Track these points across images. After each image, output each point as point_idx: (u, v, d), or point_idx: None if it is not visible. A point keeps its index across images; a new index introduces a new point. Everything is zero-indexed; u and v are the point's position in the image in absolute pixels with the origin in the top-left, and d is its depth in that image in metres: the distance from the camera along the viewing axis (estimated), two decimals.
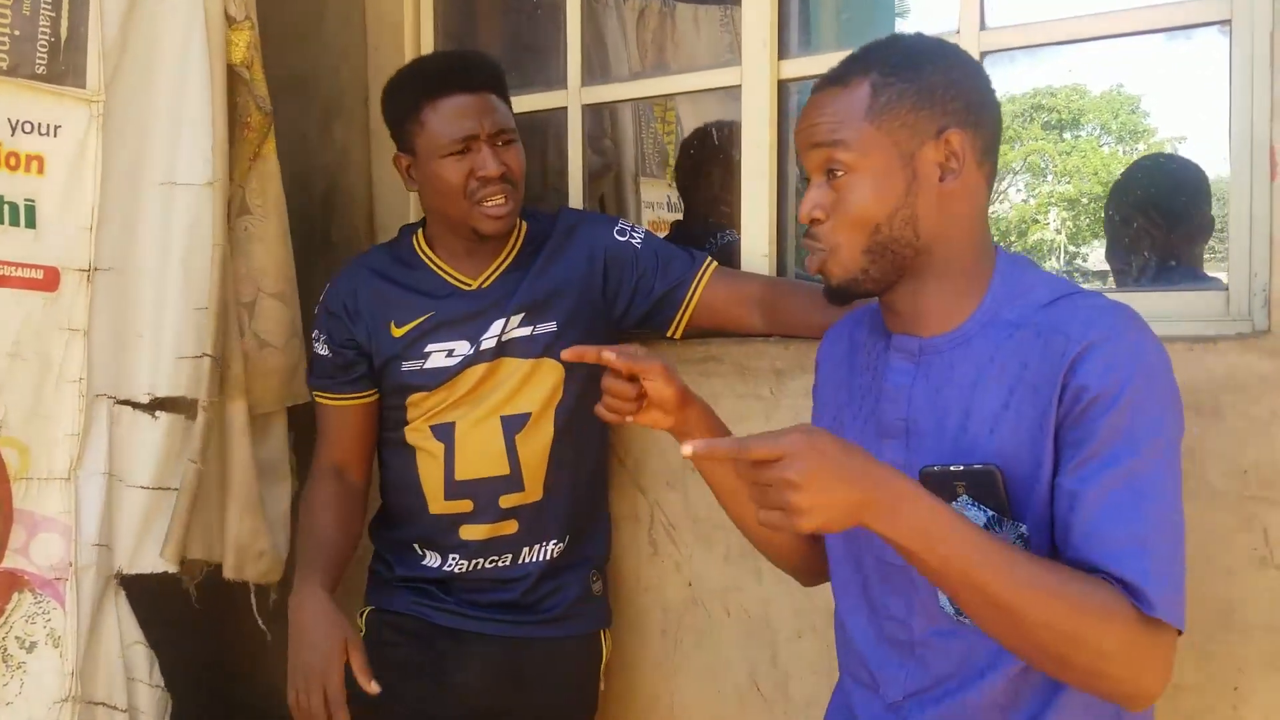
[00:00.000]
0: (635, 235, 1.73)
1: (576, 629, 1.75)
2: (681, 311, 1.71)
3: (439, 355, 1.66)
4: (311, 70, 2.33)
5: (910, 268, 1.12)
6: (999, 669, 1.09)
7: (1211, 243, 2.20)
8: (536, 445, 1.67)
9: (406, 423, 1.69)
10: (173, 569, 1.76)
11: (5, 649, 1.64)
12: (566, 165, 2.08)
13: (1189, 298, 1.53)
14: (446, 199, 1.62)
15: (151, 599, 1.81)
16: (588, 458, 1.76)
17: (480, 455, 1.67)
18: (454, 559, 1.69)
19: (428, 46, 2.26)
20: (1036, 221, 23.62)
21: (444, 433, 1.67)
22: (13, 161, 1.61)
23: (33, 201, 1.63)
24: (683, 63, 2.96)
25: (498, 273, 1.69)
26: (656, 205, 2.95)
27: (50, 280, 1.65)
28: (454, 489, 1.68)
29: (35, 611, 1.65)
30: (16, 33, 1.60)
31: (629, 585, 1.92)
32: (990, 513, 1.08)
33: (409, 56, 2.20)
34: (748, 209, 1.86)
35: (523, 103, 1.97)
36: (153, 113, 1.74)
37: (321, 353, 1.73)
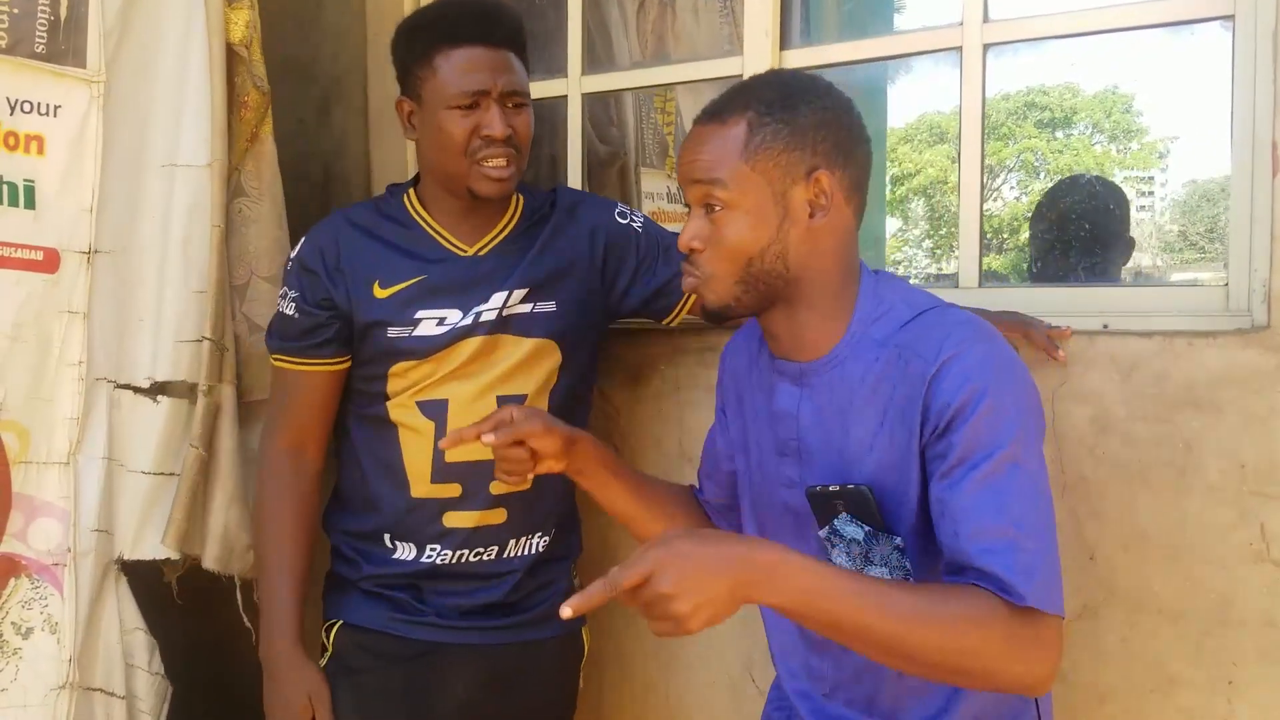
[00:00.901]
0: (636, 219, 1.70)
1: (558, 629, 1.67)
2: (684, 299, 1.68)
3: (429, 323, 1.56)
4: (310, 55, 2.32)
5: (781, 296, 1.19)
6: None
7: (1201, 242, 2.22)
8: None
9: (387, 397, 1.59)
10: (174, 556, 1.74)
11: (1, 635, 1.63)
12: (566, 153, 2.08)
13: (1188, 293, 1.54)
14: (446, 153, 1.54)
15: (149, 584, 1.80)
16: None
17: None
18: (434, 550, 1.60)
19: None
20: (1028, 219, 23.65)
21: (434, 409, 1.57)
22: (11, 141, 1.60)
23: (32, 182, 1.61)
24: (683, 52, 2.95)
25: (494, 242, 1.62)
26: (656, 195, 2.95)
27: (50, 262, 1.64)
28: (442, 471, 1.58)
29: (32, 597, 1.64)
30: (16, 11, 1.58)
31: None
32: (867, 528, 1.17)
33: None
34: None
35: None
36: (153, 93, 1.73)
37: (287, 312, 1.60)
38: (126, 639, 1.73)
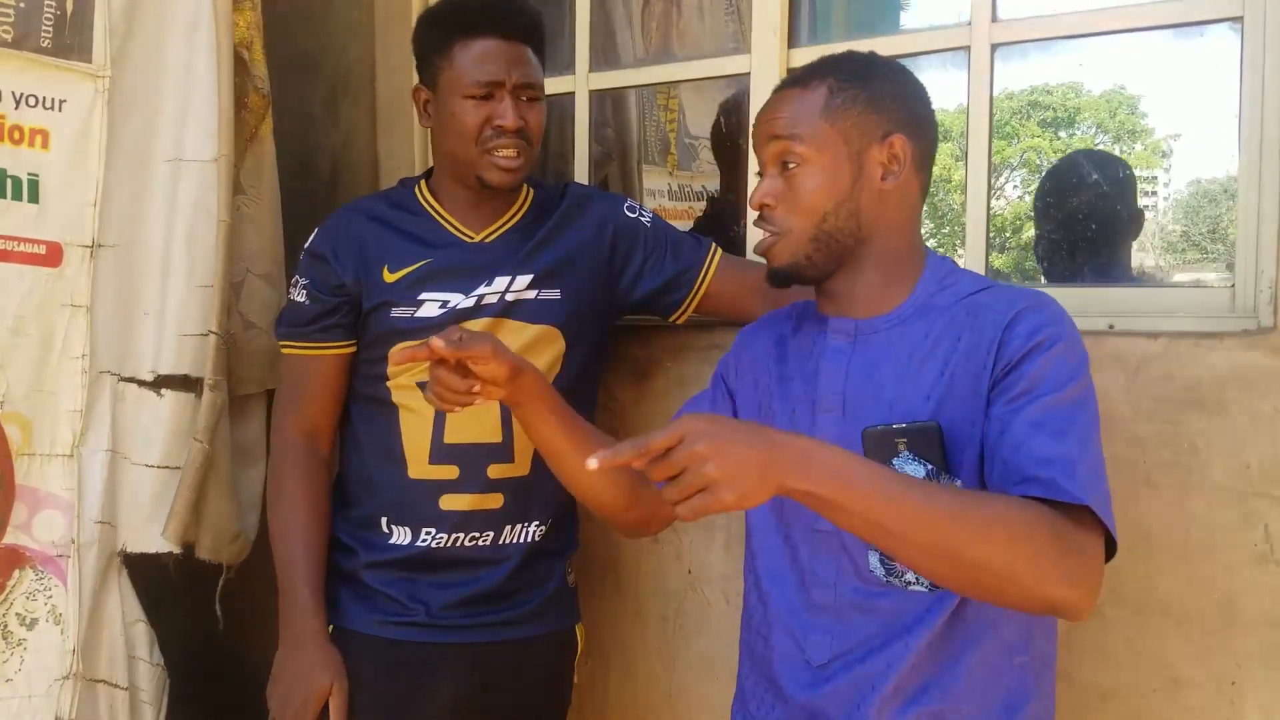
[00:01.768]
0: (644, 215, 1.71)
1: (552, 625, 1.68)
2: (691, 296, 1.69)
3: (432, 305, 1.58)
4: (319, 49, 2.32)
5: (849, 256, 1.22)
6: (918, 631, 1.14)
7: (1205, 244, 2.20)
8: None
9: (387, 377, 1.60)
10: (176, 549, 1.75)
11: (6, 625, 1.63)
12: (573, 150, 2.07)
13: (1194, 294, 1.54)
14: (458, 141, 1.57)
15: (147, 575, 1.80)
16: None
17: (473, 418, 1.55)
18: (429, 534, 1.60)
19: None
20: (1032, 218, 23.68)
21: None
22: (16, 135, 1.60)
23: (36, 176, 1.62)
24: (687, 49, 2.95)
25: (501, 230, 1.64)
26: (658, 193, 2.94)
27: (53, 255, 1.64)
28: (440, 452, 1.59)
29: (37, 588, 1.64)
30: (22, 5, 1.59)
31: (629, 572, 1.92)
32: (929, 466, 1.14)
33: None
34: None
35: None
36: (160, 88, 1.73)
37: (299, 299, 1.62)
38: (129, 630, 1.74)
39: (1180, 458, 1.44)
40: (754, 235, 1.85)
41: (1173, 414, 1.45)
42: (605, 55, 2.42)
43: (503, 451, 1.60)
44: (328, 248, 1.61)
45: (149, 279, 1.74)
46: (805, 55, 1.82)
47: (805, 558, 1.24)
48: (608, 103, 2.69)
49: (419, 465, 1.60)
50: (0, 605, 1.63)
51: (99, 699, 1.70)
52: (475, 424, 1.58)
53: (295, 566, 1.61)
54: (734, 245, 1.90)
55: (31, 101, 1.61)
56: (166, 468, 1.74)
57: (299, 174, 1.97)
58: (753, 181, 1.85)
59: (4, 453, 1.61)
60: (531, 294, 1.60)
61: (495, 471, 1.59)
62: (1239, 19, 1.46)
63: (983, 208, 1.66)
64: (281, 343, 1.67)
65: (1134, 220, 2.17)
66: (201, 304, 1.75)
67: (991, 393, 1.12)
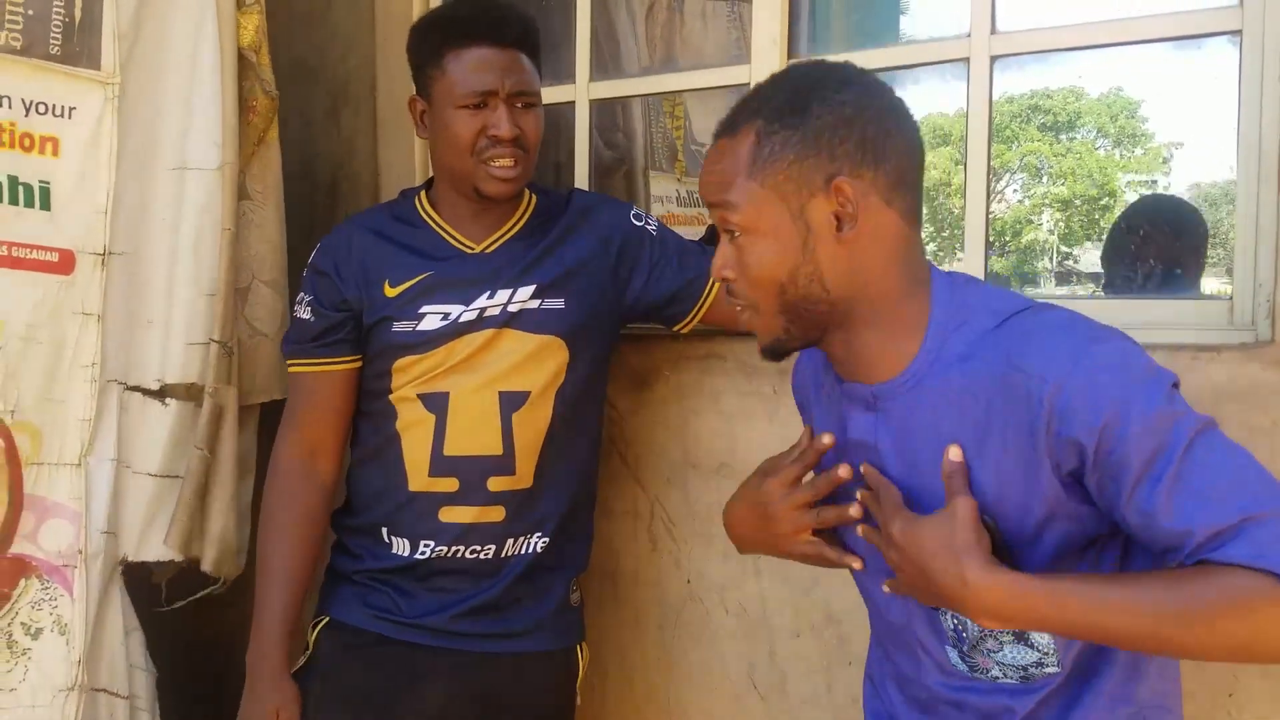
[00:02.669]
0: (650, 223, 1.70)
1: (551, 642, 1.65)
2: (698, 306, 1.67)
3: (433, 317, 1.56)
4: (319, 57, 2.33)
5: (831, 321, 1.07)
6: (1018, 714, 1.09)
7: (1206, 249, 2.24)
8: (533, 428, 1.58)
9: (390, 390, 1.59)
10: (178, 557, 1.75)
11: (10, 635, 1.63)
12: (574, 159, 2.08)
13: (1192, 307, 1.54)
14: (453, 152, 1.55)
15: (138, 582, 1.80)
16: (582, 451, 1.68)
17: (473, 430, 1.56)
18: (428, 546, 1.58)
19: None
20: (1030, 222, 23.70)
21: (436, 403, 1.57)
22: (27, 142, 1.61)
23: (47, 183, 1.62)
24: (690, 58, 2.96)
25: (502, 240, 1.62)
26: (665, 199, 2.95)
27: (65, 263, 1.64)
28: (440, 465, 1.57)
29: (42, 598, 1.64)
30: (30, 12, 1.59)
31: (628, 581, 1.93)
32: None
33: None
34: None
35: None
36: (165, 96, 1.74)
37: (304, 316, 1.61)
38: (127, 639, 1.73)
39: None
40: None
41: None
42: (608, 64, 2.43)
43: (504, 464, 1.58)
44: (330, 264, 1.61)
45: (154, 287, 1.74)
46: None
47: (890, 650, 1.20)
48: (616, 109, 2.70)
49: (419, 477, 1.59)
50: (5, 615, 1.63)
51: (100, 708, 1.70)
52: (475, 435, 1.57)
53: (266, 591, 1.60)
54: None
55: (41, 109, 1.62)
56: (167, 476, 1.74)
57: (299, 182, 1.97)
58: None
59: (14, 461, 1.61)
60: (535, 303, 1.59)
61: (496, 484, 1.58)
62: (1238, 32, 1.47)
63: (982, 216, 1.67)
64: (288, 360, 1.66)
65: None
66: (206, 313, 1.75)
67: (1080, 485, 0.99)
